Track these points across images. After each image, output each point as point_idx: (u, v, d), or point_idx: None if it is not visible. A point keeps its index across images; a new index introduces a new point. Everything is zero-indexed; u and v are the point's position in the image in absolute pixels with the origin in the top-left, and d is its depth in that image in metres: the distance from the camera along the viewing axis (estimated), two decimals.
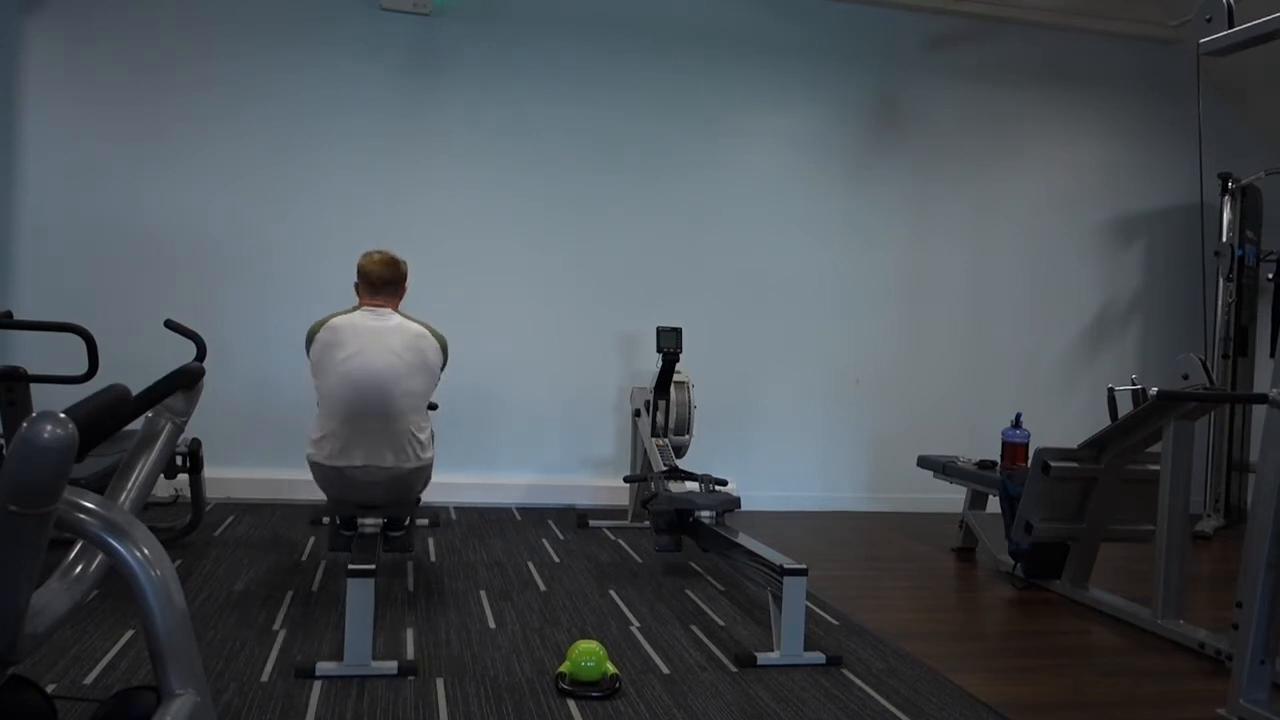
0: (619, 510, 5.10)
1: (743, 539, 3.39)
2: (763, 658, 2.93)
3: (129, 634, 2.89)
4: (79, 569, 1.85)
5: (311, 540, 4.24)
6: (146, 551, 1.57)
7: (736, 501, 3.84)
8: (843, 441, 5.81)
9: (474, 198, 5.33)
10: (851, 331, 5.80)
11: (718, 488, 3.95)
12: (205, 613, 3.15)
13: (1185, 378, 3.55)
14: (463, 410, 5.03)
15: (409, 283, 3.49)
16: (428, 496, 3.98)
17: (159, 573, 1.56)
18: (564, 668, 2.70)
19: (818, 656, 2.96)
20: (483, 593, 3.58)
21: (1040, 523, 3.87)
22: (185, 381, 2.38)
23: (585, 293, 5.47)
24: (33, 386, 3.52)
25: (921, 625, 3.51)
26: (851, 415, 5.81)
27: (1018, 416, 4.57)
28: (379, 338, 3.26)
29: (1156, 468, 3.61)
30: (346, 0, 5.17)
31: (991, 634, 3.54)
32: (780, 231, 5.69)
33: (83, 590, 1.83)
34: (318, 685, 2.59)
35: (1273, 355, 4.17)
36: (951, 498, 5.22)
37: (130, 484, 2.20)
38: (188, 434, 3.30)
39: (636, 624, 3.30)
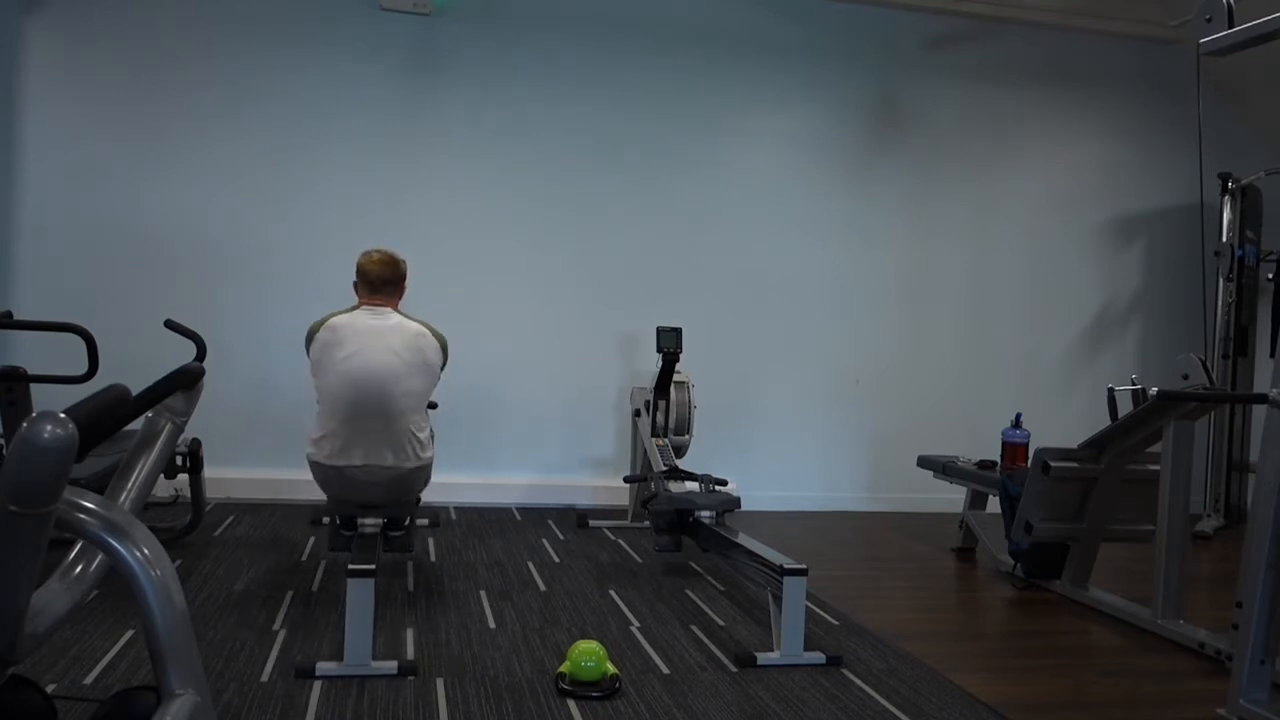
0: (619, 510, 5.10)
1: (743, 539, 3.39)
2: (763, 658, 2.93)
3: (129, 634, 2.89)
4: (79, 569, 1.85)
5: (311, 540, 4.24)
6: (146, 551, 1.57)
7: (736, 501, 3.84)
8: (843, 441, 5.81)
9: (474, 198, 5.33)
10: (851, 331, 5.80)
11: (718, 488, 3.95)
12: (205, 613, 3.15)
13: (1185, 378, 3.55)
14: (463, 410, 5.03)
15: (409, 282, 3.49)
16: (428, 496, 3.98)
17: (159, 573, 1.56)
18: (564, 668, 2.70)
19: (818, 656, 2.96)
20: (483, 593, 3.58)
21: (1040, 523, 3.87)
22: (185, 381, 2.38)
23: (585, 293, 5.47)
24: (33, 386, 3.52)
25: (921, 625, 3.51)
26: (851, 415, 5.81)
27: (1018, 416, 4.57)
28: (379, 337, 3.26)
29: (1156, 468, 3.61)
30: (346, 0, 5.17)
31: (991, 634, 3.54)
32: (780, 231, 5.69)
33: (83, 590, 1.83)
34: (318, 685, 2.60)
35: (1273, 355, 4.17)
36: (951, 498, 5.22)
37: (130, 484, 2.20)
38: (188, 434, 3.30)
39: (636, 624, 3.30)
